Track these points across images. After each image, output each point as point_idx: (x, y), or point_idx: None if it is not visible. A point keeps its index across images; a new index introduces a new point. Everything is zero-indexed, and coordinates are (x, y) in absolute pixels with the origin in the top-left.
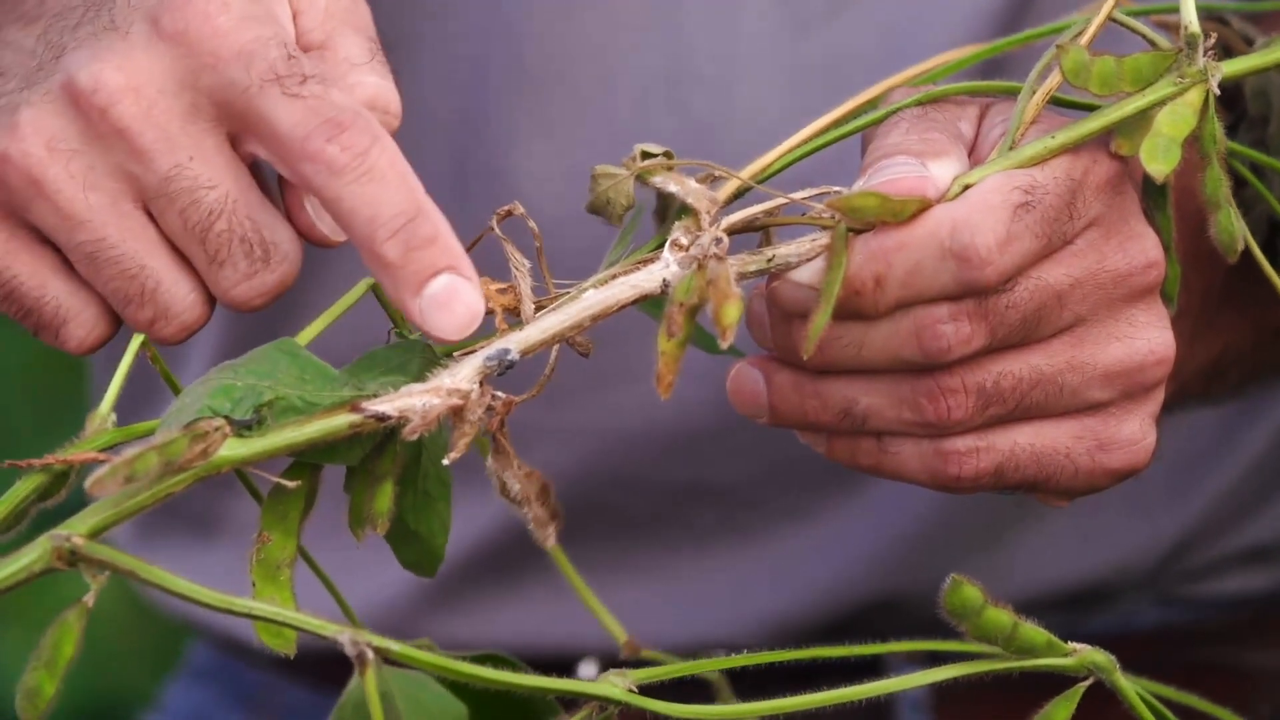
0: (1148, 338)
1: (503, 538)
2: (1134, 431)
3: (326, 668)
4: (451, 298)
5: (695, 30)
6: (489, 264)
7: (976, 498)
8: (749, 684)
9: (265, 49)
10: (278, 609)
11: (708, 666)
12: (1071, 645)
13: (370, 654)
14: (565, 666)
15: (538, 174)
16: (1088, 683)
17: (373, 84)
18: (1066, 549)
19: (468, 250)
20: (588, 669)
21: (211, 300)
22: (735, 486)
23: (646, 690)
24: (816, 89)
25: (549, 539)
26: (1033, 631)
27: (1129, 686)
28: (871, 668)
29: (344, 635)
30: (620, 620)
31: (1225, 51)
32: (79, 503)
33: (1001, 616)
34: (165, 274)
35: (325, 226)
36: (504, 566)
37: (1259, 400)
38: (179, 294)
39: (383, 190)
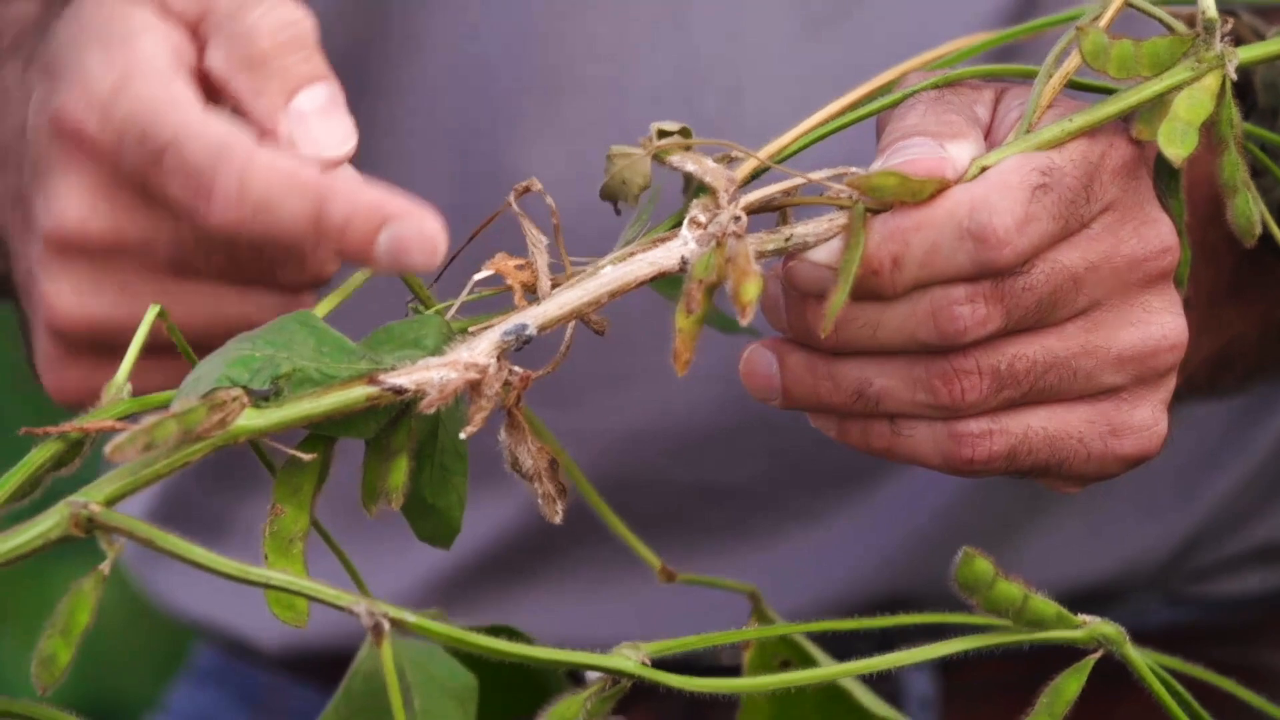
0: (1161, 323)
1: (517, 533)
2: (1146, 417)
3: (332, 669)
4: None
5: (705, 31)
6: (506, 243)
7: (987, 496)
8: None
9: (127, 147)
10: (291, 578)
11: (721, 639)
12: (1081, 617)
13: (386, 625)
14: None
15: (547, 175)
16: (1097, 655)
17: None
18: (1076, 548)
19: (482, 228)
20: None
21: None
22: (745, 487)
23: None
24: (826, 90)
25: (556, 515)
26: (1043, 604)
27: (1139, 658)
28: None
29: (360, 606)
30: (631, 618)
31: (1236, 42)
32: (91, 476)
33: (1012, 589)
34: (243, 302)
35: (307, 151)
36: (518, 562)
37: (1268, 400)
38: (271, 301)
39: (282, 210)
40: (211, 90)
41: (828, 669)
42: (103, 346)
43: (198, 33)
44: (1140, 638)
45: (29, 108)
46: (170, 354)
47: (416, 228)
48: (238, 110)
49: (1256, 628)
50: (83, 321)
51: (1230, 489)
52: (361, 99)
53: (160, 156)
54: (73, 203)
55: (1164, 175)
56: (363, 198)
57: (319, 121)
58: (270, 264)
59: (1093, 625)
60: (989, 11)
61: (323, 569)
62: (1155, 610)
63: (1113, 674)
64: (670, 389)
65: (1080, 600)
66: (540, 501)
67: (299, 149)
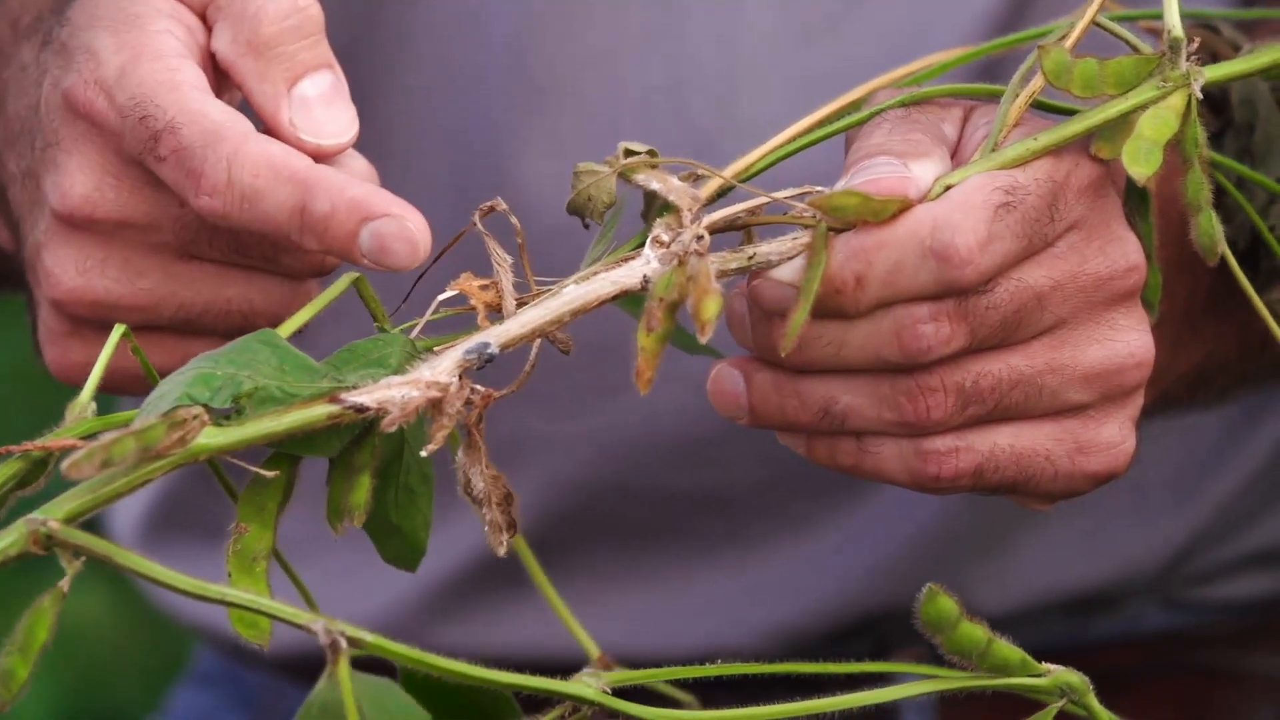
0: (1127, 341)
1: None
2: (1113, 435)
3: None
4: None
5: (698, 41)
6: (474, 263)
7: (982, 504)
8: (751, 690)
9: (129, 128)
10: (249, 596)
11: (681, 674)
12: (1045, 665)
13: (344, 643)
14: (567, 675)
15: (541, 184)
16: (1060, 704)
17: None
18: (1072, 554)
19: (446, 249)
20: None
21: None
22: (739, 495)
23: (623, 695)
24: (819, 99)
25: (501, 545)
26: (1007, 649)
27: (1103, 710)
28: (876, 672)
29: (317, 624)
30: (625, 628)
31: (1213, 58)
32: (57, 494)
33: (976, 632)
34: (247, 286)
35: (308, 137)
36: (507, 574)
37: (1263, 405)
38: (274, 286)
39: (266, 200)
40: (222, 73)
41: (804, 703)
42: (105, 323)
43: (206, 16)
44: (1136, 642)
45: (43, 86)
46: (171, 332)
47: (398, 226)
48: (244, 95)
49: (1252, 632)
50: (86, 297)
51: (1226, 494)
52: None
53: (158, 139)
54: (80, 180)
55: (1134, 196)
56: (346, 193)
57: (322, 109)
58: (273, 248)
59: (1056, 674)
60: (979, 18)
61: (308, 578)
62: (1151, 615)
63: (1111, 674)
64: (664, 398)
65: (1076, 606)
66: (486, 529)
67: (301, 136)
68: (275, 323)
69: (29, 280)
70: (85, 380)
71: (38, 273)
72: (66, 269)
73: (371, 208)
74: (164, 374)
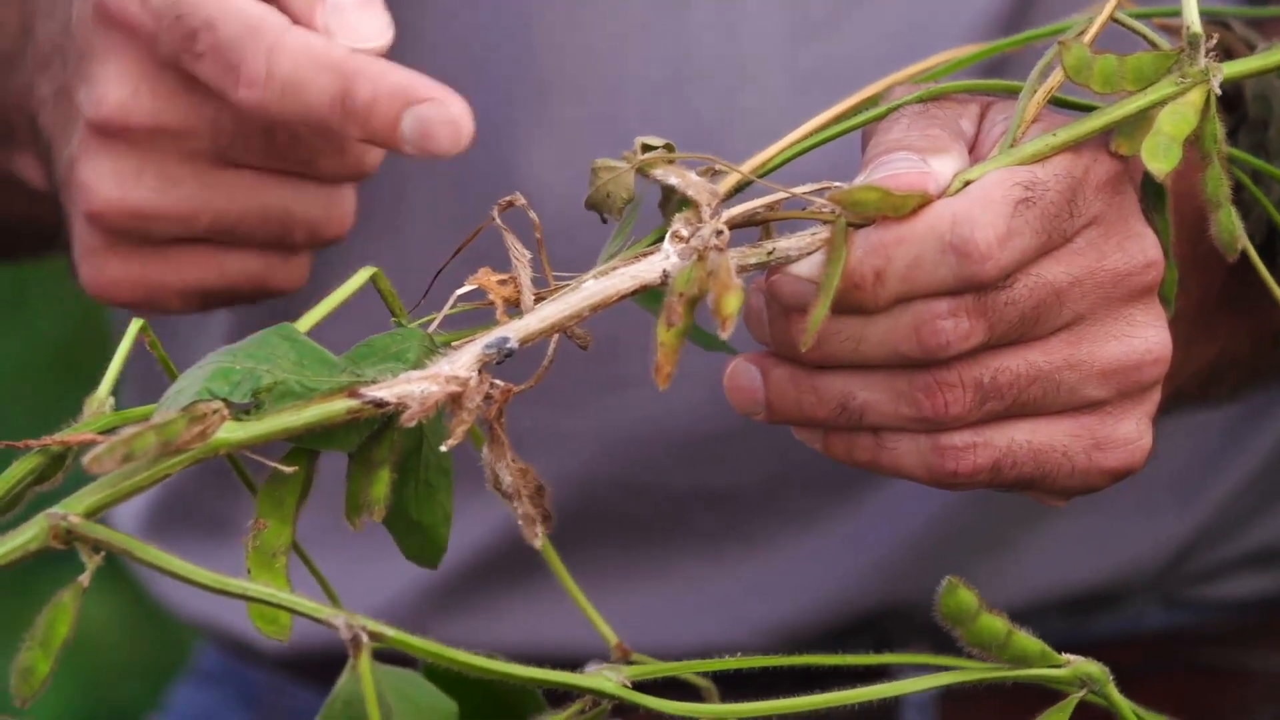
0: (1145, 337)
1: (509, 539)
2: (1130, 431)
3: (333, 670)
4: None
5: (701, 35)
6: (491, 257)
7: (985, 500)
8: (757, 687)
9: (164, 29)
10: (270, 591)
11: (699, 667)
12: (1066, 656)
13: (365, 638)
14: (570, 669)
15: (544, 178)
16: (1080, 694)
17: None
18: (1073, 552)
19: (465, 244)
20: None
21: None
22: (742, 491)
23: (641, 690)
24: (822, 94)
25: (535, 538)
26: (1026, 640)
27: (1123, 700)
28: (878, 671)
29: (339, 619)
30: (627, 625)
31: (1227, 55)
32: (75, 489)
33: (995, 624)
34: (284, 191)
35: (344, 40)
36: (511, 568)
37: (1266, 403)
38: (312, 193)
39: (307, 90)
40: None
41: (813, 697)
42: (142, 235)
43: None
44: (1137, 641)
45: (73, 4)
46: (208, 244)
47: (441, 111)
48: (276, 2)
49: (1253, 631)
50: (123, 208)
51: (1228, 493)
52: None
53: (195, 37)
54: (114, 87)
55: (1150, 192)
56: (388, 79)
57: (356, 13)
58: (310, 152)
59: (1076, 664)
60: (982, 14)
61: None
62: (1152, 613)
63: (1111, 672)
64: (670, 393)
65: (1077, 603)
66: (520, 522)
67: (337, 40)
68: (312, 233)
69: (64, 201)
70: (122, 298)
71: (72, 188)
72: (103, 180)
73: (414, 92)
74: (200, 290)
